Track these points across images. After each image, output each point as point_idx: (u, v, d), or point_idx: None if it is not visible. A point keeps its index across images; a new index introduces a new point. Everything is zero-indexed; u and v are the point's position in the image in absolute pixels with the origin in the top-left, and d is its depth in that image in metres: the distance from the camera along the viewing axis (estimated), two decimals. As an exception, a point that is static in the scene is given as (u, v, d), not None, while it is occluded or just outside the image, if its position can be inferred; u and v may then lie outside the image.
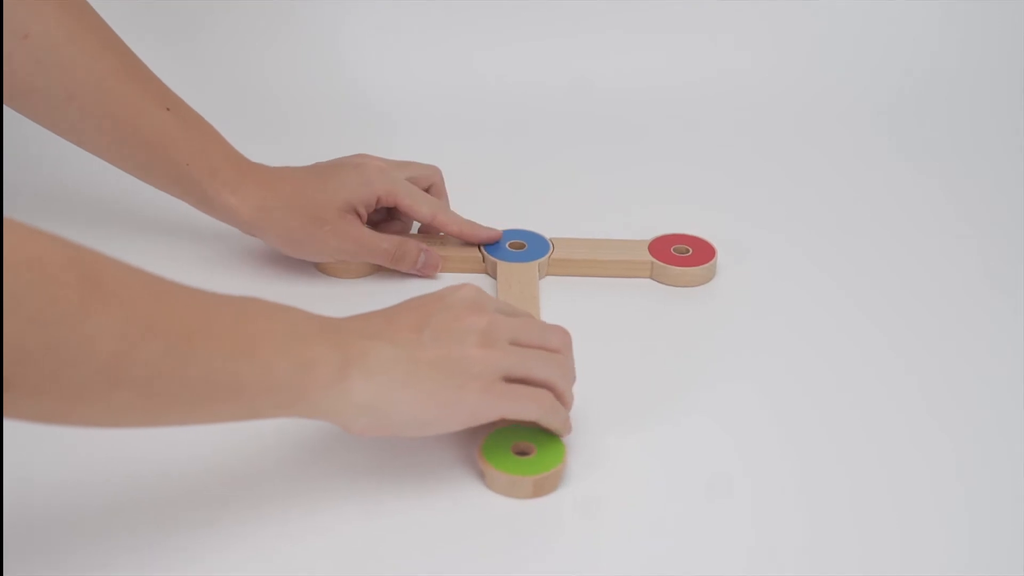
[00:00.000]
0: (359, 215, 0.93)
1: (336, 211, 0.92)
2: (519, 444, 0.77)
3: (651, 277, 0.98)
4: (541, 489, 0.76)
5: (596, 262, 0.98)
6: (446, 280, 0.97)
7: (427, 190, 0.97)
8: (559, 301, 0.94)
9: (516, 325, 0.76)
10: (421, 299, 0.77)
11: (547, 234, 1.00)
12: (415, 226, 1.00)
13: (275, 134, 1.14)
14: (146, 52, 0.92)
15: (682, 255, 0.98)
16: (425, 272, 0.95)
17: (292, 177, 0.93)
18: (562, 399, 0.77)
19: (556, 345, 0.78)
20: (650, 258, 0.97)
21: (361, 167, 0.94)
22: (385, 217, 0.98)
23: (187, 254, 0.97)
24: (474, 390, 0.73)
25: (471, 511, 0.75)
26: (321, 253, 0.94)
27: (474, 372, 0.73)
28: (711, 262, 0.97)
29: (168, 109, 0.90)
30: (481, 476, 0.77)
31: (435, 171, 0.98)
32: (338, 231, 0.92)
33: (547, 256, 0.98)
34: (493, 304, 0.77)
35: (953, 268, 1.01)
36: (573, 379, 0.78)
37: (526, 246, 0.99)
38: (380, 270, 0.97)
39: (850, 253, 1.02)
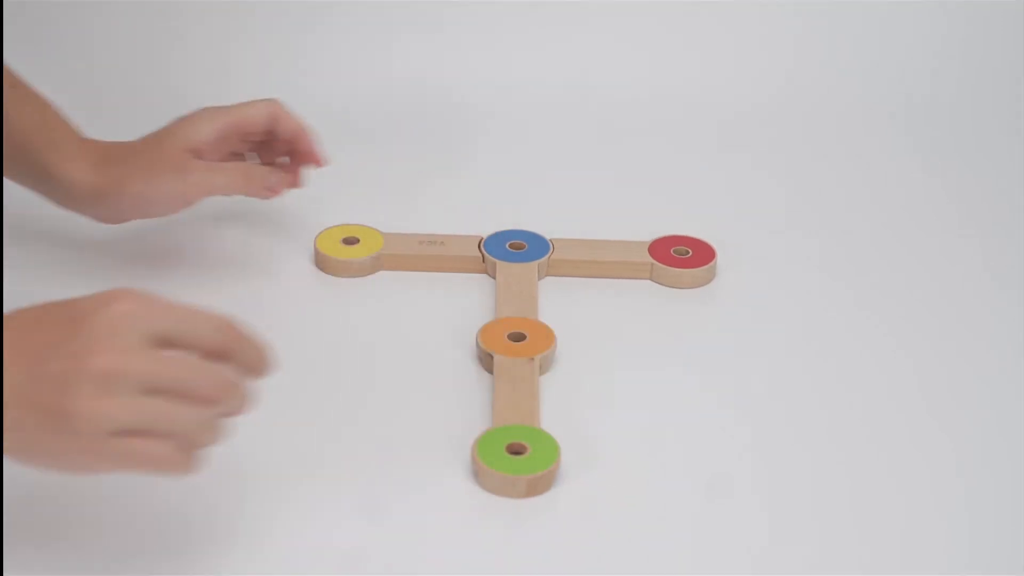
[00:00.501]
0: (201, 157, 0.90)
1: (176, 154, 0.89)
2: (513, 443, 0.78)
3: (651, 278, 0.98)
4: (535, 489, 0.76)
5: (596, 263, 0.98)
6: (447, 278, 0.97)
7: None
8: (558, 302, 0.94)
9: (155, 368, 0.63)
10: (59, 315, 0.64)
11: (547, 234, 1.00)
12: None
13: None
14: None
15: (682, 256, 0.98)
16: (277, 190, 0.92)
17: (130, 143, 0.91)
18: (196, 444, 0.65)
19: (205, 393, 0.64)
20: (650, 259, 0.97)
21: (193, 114, 0.91)
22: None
23: (187, 251, 0.97)
24: (76, 450, 0.62)
25: (465, 510, 0.75)
26: (166, 200, 0.90)
27: (77, 429, 0.61)
28: (711, 264, 0.97)
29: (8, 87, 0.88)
30: (475, 475, 0.77)
31: (273, 101, 0.93)
32: (179, 170, 0.89)
33: (547, 257, 0.98)
34: (152, 325, 0.63)
35: (955, 268, 1.01)
36: (227, 411, 0.66)
37: (526, 246, 0.98)
38: (380, 269, 0.97)
39: (850, 254, 1.02)
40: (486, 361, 0.86)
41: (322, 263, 0.97)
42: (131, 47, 1.18)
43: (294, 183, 0.94)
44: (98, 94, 1.13)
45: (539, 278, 0.96)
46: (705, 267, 0.97)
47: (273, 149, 0.94)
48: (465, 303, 0.93)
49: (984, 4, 1.26)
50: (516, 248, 0.98)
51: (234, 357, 0.66)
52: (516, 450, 0.77)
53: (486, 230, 1.00)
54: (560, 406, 0.83)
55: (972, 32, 1.26)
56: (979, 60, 1.25)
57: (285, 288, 0.95)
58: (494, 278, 0.96)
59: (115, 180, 0.89)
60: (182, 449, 0.64)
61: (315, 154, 0.93)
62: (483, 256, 0.98)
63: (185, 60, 1.21)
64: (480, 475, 0.76)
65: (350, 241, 0.98)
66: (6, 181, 0.92)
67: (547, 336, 0.88)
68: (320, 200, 1.02)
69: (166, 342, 0.63)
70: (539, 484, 0.76)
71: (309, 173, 0.95)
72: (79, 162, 0.89)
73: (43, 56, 1.08)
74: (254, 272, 0.96)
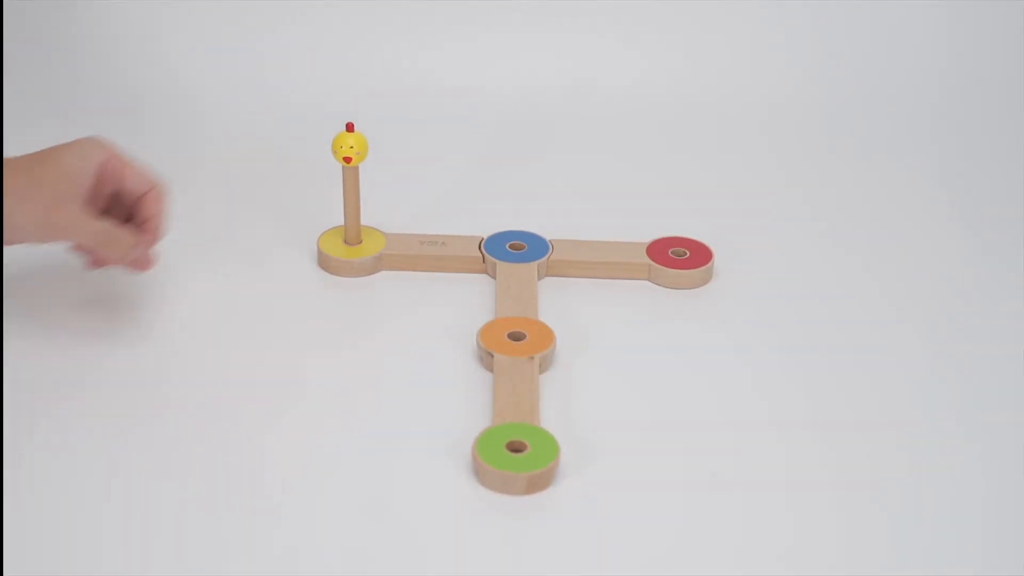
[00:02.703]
0: (83, 195, 0.85)
1: (59, 187, 0.84)
2: (513, 441, 0.78)
3: (649, 279, 0.98)
4: (535, 486, 0.77)
5: (594, 264, 0.98)
6: (447, 278, 0.97)
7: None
8: (558, 302, 0.95)
9: None
10: None
11: (546, 235, 1.00)
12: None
13: (275, 140, 1.16)
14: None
15: (679, 258, 0.98)
16: (136, 267, 0.88)
17: (23, 164, 0.85)
18: None
19: None
20: (648, 260, 0.98)
21: (81, 143, 0.86)
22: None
23: (187, 251, 0.98)
24: None
25: (465, 508, 0.76)
26: (25, 234, 0.85)
27: None
28: (708, 265, 0.98)
29: None
30: (475, 473, 0.77)
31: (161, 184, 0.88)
32: (53, 205, 0.84)
33: (546, 257, 0.98)
34: None
35: (952, 268, 1.01)
36: None
37: (526, 247, 0.99)
38: (382, 269, 0.97)
39: (848, 255, 1.03)
40: (486, 360, 0.87)
41: (324, 263, 0.97)
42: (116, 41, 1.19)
43: (149, 266, 0.88)
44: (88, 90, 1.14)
45: (539, 278, 0.97)
46: (702, 268, 0.98)
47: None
48: (465, 303, 0.94)
49: (986, 6, 1.26)
50: (516, 248, 0.99)
51: None
52: (516, 448, 0.78)
53: (486, 230, 1.00)
54: (559, 405, 0.84)
55: (972, 32, 1.27)
56: (980, 61, 1.26)
57: (287, 288, 0.95)
58: (494, 278, 0.97)
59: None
60: None
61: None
62: (483, 256, 0.98)
63: (188, 51, 1.21)
64: (480, 473, 0.77)
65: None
66: None
67: (547, 336, 0.89)
68: (322, 200, 1.02)
69: None
70: (539, 482, 0.77)
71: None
72: None
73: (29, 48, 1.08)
74: (256, 271, 0.97)
